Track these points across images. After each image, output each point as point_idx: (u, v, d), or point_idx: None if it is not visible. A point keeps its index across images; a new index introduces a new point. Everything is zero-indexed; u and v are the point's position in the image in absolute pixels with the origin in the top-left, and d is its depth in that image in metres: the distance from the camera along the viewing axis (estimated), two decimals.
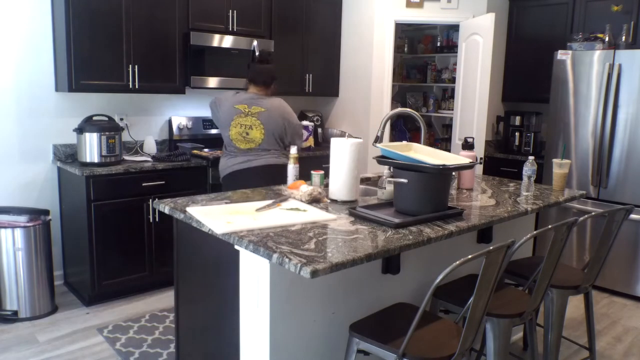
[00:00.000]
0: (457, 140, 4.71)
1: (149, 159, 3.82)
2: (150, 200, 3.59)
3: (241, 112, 3.16)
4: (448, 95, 5.64)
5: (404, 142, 2.41)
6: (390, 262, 2.13)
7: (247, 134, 3.15)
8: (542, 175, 4.27)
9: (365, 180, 3.01)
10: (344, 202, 2.38)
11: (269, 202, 2.28)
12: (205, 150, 4.11)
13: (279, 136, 3.22)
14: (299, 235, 1.84)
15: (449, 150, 4.68)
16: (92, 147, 3.44)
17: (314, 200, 2.35)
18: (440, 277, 1.52)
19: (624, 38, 4.00)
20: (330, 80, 4.99)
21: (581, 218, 2.22)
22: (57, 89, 3.66)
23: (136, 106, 4.06)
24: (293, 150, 2.78)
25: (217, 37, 4.01)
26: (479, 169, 4.56)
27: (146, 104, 4.12)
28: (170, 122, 4.22)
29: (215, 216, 2.06)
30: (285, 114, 3.22)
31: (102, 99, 3.87)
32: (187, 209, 2.15)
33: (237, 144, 3.18)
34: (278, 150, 3.25)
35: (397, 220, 2.01)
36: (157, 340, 3.03)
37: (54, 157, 3.70)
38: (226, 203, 2.29)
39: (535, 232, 1.89)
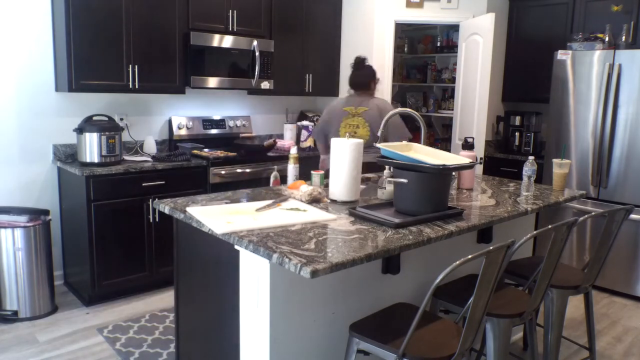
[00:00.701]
0: (457, 140, 4.71)
1: (149, 159, 3.81)
2: (150, 200, 3.59)
3: (348, 113, 3.43)
4: (448, 95, 5.64)
5: (404, 142, 2.41)
6: (390, 262, 2.13)
7: (355, 132, 3.41)
8: (542, 175, 4.27)
9: (365, 180, 3.01)
10: (344, 202, 2.38)
11: (269, 202, 2.28)
12: (205, 150, 4.11)
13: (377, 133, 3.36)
14: (299, 235, 1.84)
15: (449, 150, 4.68)
16: (92, 147, 3.44)
17: (314, 200, 2.35)
18: (440, 277, 1.52)
19: (624, 38, 4.00)
20: (330, 80, 4.99)
21: (581, 218, 2.22)
22: (57, 89, 3.66)
23: (136, 106, 4.06)
24: (293, 150, 2.78)
25: (217, 37, 4.01)
26: (479, 169, 4.56)
27: (146, 104, 4.12)
28: (170, 122, 4.22)
29: (215, 216, 2.06)
30: (383, 112, 3.36)
31: (102, 99, 3.87)
32: (187, 209, 2.15)
33: None
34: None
35: (397, 220, 2.01)
36: (157, 340, 3.03)
37: (54, 157, 3.70)
38: (226, 203, 2.29)
39: (535, 232, 1.89)
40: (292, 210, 2.18)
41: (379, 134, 2.78)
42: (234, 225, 1.93)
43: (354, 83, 3.56)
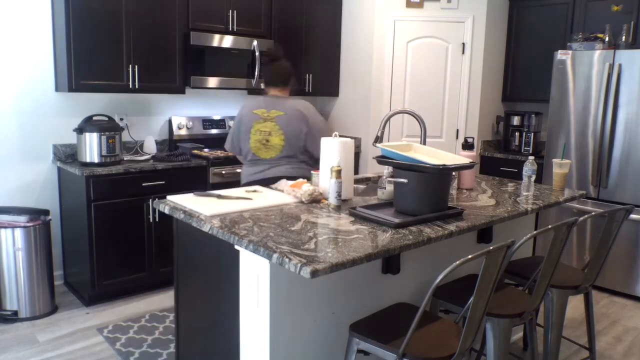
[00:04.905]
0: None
1: (149, 158, 3.82)
2: (150, 200, 3.59)
3: (259, 117, 2.87)
4: None
5: (404, 142, 2.41)
6: (390, 262, 2.13)
7: (267, 141, 2.86)
8: (542, 175, 4.27)
9: (365, 180, 3.01)
10: (337, 204, 2.37)
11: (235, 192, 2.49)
12: (205, 150, 4.11)
13: (301, 143, 2.88)
14: (299, 235, 1.84)
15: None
16: (92, 147, 3.44)
17: (313, 201, 2.35)
18: (440, 277, 1.52)
19: (624, 38, 4.00)
20: (330, 80, 4.99)
21: (581, 218, 2.22)
22: (57, 89, 3.66)
23: (136, 106, 4.06)
24: (334, 162, 2.59)
25: (217, 37, 4.01)
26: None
27: (146, 104, 4.12)
28: (170, 122, 4.22)
29: (196, 203, 2.22)
30: (307, 118, 2.87)
31: (102, 99, 3.87)
32: (168, 197, 2.32)
33: (258, 153, 2.91)
34: (299, 160, 2.93)
35: (397, 220, 2.01)
36: (157, 340, 3.03)
37: (54, 157, 3.70)
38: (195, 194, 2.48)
39: (535, 232, 1.89)
40: (253, 192, 2.46)
41: (379, 133, 2.76)
42: (217, 208, 2.15)
43: (271, 78, 2.96)
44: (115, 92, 3.68)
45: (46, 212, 3.43)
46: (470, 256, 1.54)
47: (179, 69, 3.89)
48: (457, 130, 4.81)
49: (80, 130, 3.46)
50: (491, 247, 1.61)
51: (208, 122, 4.40)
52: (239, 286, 1.92)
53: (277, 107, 2.88)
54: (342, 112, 5.08)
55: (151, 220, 3.62)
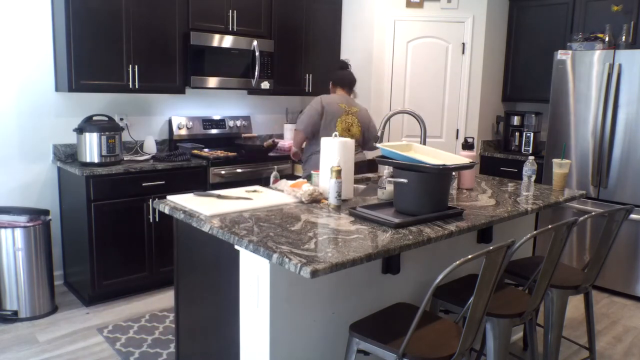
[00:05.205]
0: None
1: (149, 158, 3.82)
2: (150, 200, 3.59)
3: (343, 110, 3.47)
4: None
5: (404, 142, 2.41)
6: (390, 262, 2.13)
7: (349, 130, 3.47)
8: (542, 175, 4.27)
9: (365, 180, 3.01)
10: (337, 204, 2.37)
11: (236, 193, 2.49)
12: (205, 150, 4.11)
13: (365, 135, 3.61)
14: (299, 235, 1.84)
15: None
16: (92, 147, 3.44)
17: (314, 201, 2.35)
18: (440, 277, 1.52)
19: (624, 38, 4.00)
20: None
21: (581, 218, 2.23)
22: (57, 89, 3.66)
23: (136, 106, 4.06)
24: (335, 162, 2.79)
25: (217, 37, 4.01)
26: None
27: (146, 104, 4.12)
28: (170, 122, 4.22)
29: (196, 203, 2.22)
30: (369, 116, 3.65)
31: (102, 99, 3.87)
32: (168, 197, 2.33)
33: None
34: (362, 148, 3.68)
35: (397, 220, 2.01)
36: (157, 340, 3.03)
37: (54, 157, 3.70)
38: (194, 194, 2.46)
39: (535, 232, 1.89)
40: (253, 192, 2.48)
41: (378, 133, 2.79)
42: (217, 208, 2.15)
43: (345, 82, 3.61)
44: (115, 92, 3.68)
45: (46, 212, 3.43)
46: (470, 256, 1.54)
47: (179, 69, 3.89)
48: (457, 130, 4.81)
49: (80, 130, 3.46)
50: (491, 247, 1.61)
51: (208, 122, 4.40)
52: (239, 286, 1.92)
53: (354, 105, 3.57)
54: None
55: (151, 220, 3.62)
